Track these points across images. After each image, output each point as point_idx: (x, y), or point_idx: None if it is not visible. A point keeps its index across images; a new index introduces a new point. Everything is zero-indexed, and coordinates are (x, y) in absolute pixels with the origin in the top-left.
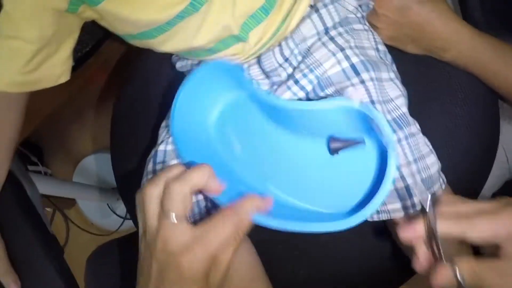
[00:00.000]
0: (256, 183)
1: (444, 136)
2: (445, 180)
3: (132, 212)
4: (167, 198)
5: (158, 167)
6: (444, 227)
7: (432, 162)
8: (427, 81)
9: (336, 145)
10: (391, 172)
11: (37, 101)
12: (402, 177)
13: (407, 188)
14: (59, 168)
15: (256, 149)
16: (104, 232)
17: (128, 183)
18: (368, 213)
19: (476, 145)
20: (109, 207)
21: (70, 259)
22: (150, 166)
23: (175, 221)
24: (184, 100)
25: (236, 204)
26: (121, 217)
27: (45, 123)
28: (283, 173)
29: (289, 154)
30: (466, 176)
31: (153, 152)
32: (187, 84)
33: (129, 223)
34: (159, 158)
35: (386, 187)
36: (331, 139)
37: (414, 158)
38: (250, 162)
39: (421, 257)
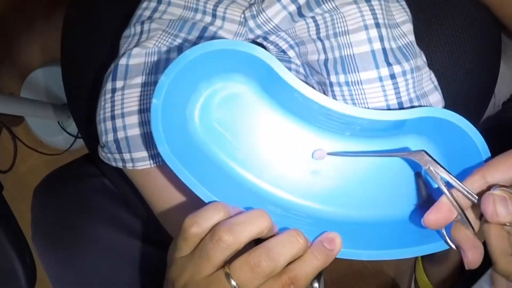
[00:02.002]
0: (255, 179)
1: (447, 61)
2: None
3: (83, 131)
4: (223, 250)
5: (118, 85)
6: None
7: (437, 101)
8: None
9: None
10: None
11: None
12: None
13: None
14: (5, 82)
15: (254, 142)
16: (55, 151)
17: (80, 100)
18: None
19: (478, 71)
20: (59, 125)
21: (17, 181)
22: (109, 85)
23: None
24: (169, 90)
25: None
26: (72, 135)
27: None
28: (292, 172)
29: (300, 147)
30: (464, 108)
31: (112, 66)
32: (174, 70)
33: (80, 142)
34: (120, 74)
35: None
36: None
37: (417, 95)
38: (249, 158)
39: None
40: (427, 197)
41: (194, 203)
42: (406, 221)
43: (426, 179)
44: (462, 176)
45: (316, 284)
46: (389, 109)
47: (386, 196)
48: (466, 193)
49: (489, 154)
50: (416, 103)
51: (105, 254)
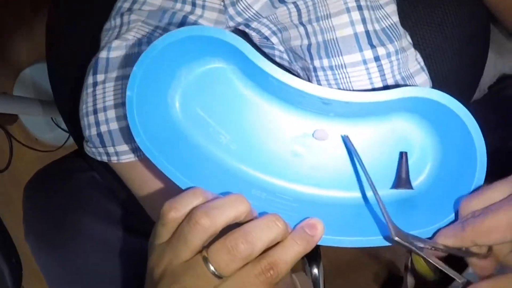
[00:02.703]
0: (239, 163)
1: (435, 41)
2: None
3: (70, 126)
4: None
5: (99, 78)
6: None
7: (423, 81)
8: None
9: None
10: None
11: None
12: None
13: None
14: None
15: (238, 126)
16: (50, 148)
17: (65, 96)
18: None
19: (468, 51)
20: (53, 121)
21: (14, 180)
22: (90, 79)
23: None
24: (145, 80)
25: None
26: (66, 131)
27: None
28: (274, 154)
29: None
30: (454, 88)
31: (93, 60)
32: (145, 61)
33: None
34: (100, 68)
35: None
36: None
37: (402, 77)
38: (233, 143)
39: None
40: (405, 179)
41: (177, 192)
42: (391, 204)
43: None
44: (457, 158)
45: (315, 270)
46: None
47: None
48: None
49: (479, 130)
50: (402, 84)
51: (97, 248)
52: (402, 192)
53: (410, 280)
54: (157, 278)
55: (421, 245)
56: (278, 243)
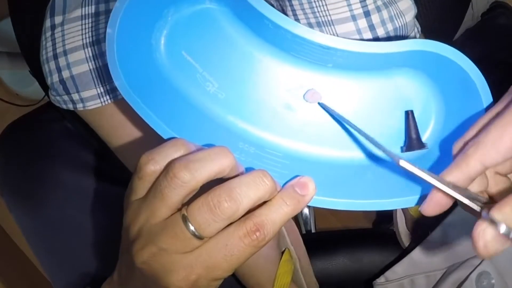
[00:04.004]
0: (228, 116)
1: None
2: (419, 28)
3: (38, 76)
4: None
5: (57, 20)
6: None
7: (407, 7)
8: None
9: None
10: None
11: None
12: (371, 26)
13: (376, 39)
14: None
15: (226, 73)
16: (31, 102)
17: (30, 44)
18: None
19: None
20: (31, 74)
21: None
22: (47, 22)
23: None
24: (127, 17)
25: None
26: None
27: None
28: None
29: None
30: (438, 25)
31: (50, 1)
32: None
33: None
34: (58, 9)
35: None
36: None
37: (384, 3)
38: (220, 91)
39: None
40: (416, 139)
41: (155, 140)
42: (390, 166)
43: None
44: (461, 117)
45: (306, 210)
46: (355, 20)
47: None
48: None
49: (489, 93)
50: (384, 11)
51: (71, 198)
52: (409, 154)
53: (400, 216)
54: (132, 238)
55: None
56: (264, 202)
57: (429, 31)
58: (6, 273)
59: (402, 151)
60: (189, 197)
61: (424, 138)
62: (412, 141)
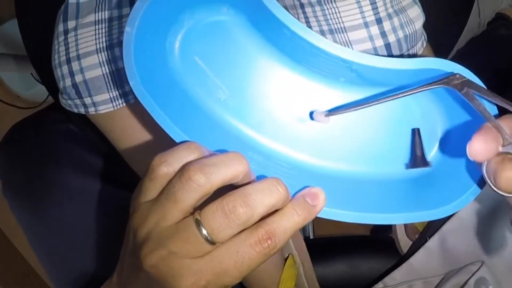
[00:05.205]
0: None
1: None
2: (426, 37)
3: (44, 79)
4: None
5: (70, 25)
6: None
7: (416, 15)
8: None
9: None
10: None
11: None
12: (383, 33)
13: (387, 46)
14: None
15: (238, 81)
16: (33, 105)
17: (37, 48)
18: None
19: None
20: (33, 77)
21: None
22: (60, 27)
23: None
24: (145, 18)
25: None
26: None
27: None
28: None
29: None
30: (441, 34)
31: (63, 6)
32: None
33: None
34: (71, 14)
35: None
36: None
37: (395, 10)
38: (231, 98)
39: None
40: (421, 157)
41: (165, 144)
42: (397, 181)
43: (422, 138)
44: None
45: None
46: (367, 27)
47: (378, 151)
48: None
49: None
50: (395, 18)
51: (75, 200)
52: (416, 171)
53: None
54: (140, 241)
55: None
56: (276, 211)
57: (431, 39)
58: (4, 276)
59: (406, 167)
60: (201, 202)
61: (429, 157)
62: (417, 159)
